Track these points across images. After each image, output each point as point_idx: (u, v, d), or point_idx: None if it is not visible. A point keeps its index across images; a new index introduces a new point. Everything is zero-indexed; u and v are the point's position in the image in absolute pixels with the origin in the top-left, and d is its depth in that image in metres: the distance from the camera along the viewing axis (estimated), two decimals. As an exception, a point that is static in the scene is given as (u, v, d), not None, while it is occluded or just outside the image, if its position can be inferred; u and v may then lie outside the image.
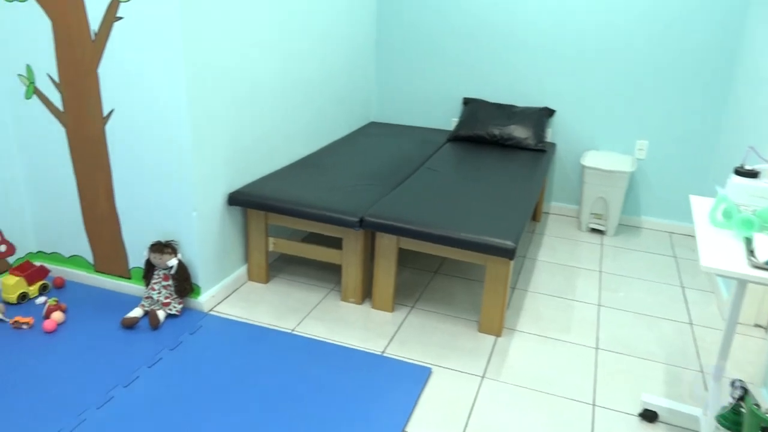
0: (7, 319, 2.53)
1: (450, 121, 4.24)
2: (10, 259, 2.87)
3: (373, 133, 4.00)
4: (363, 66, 4.12)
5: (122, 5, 2.39)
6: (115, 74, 2.50)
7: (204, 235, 2.66)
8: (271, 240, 2.90)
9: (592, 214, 3.79)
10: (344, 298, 2.84)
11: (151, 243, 2.62)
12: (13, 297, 2.66)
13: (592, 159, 3.74)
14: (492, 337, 2.60)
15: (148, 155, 2.56)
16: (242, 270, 2.96)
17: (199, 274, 2.68)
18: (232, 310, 2.72)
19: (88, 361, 2.30)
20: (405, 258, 3.28)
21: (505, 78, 4.01)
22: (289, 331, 2.58)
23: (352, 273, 2.78)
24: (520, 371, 2.39)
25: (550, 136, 4.00)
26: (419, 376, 2.32)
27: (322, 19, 3.43)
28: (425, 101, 4.27)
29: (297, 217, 2.71)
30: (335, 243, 2.81)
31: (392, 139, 3.85)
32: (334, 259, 2.81)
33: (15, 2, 2.54)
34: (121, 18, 2.41)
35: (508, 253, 2.41)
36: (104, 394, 2.13)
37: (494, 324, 2.60)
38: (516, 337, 2.62)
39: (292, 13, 3.10)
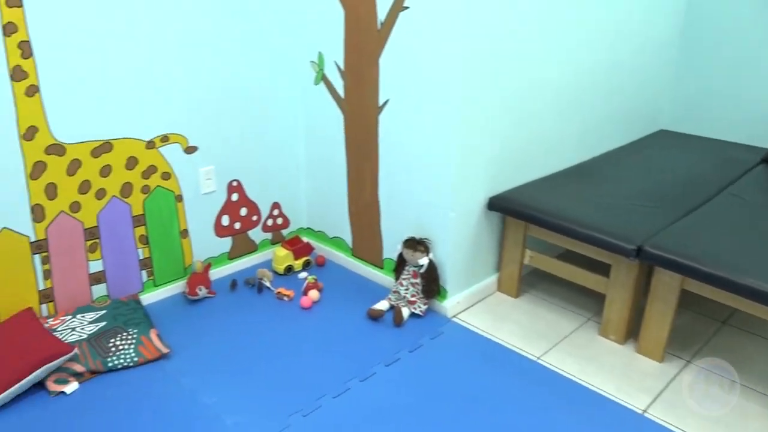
0: (272, 288, 2.73)
1: (767, 138, 3.45)
2: (284, 232, 3.11)
3: (662, 143, 3.44)
4: (658, 64, 3.56)
5: (410, -5, 2.34)
6: (395, 65, 2.47)
7: (458, 238, 2.52)
8: (528, 252, 2.65)
9: None
10: (603, 334, 2.46)
11: (406, 238, 2.57)
12: (280, 268, 2.87)
13: None
14: (798, 427, 1.99)
15: (414, 149, 2.50)
16: (492, 279, 2.77)
17: (448, 277, 2.56)
18: (476, 321, 2.55)
19: (331, 346, 2.35)
20: (686, 298, 2.74)
21: None
22: (534, 358, 2.32)
23: (618, 307, 2.39)
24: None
25: None
26: (689, 454, 1.87)
27: (614, 10, 3.00)
28: (735, 109, 3.54)
29: (561, 233, 2.41)
30: (600, 267, 2.44)
31: (686, 153, 3.26)
32: (598, 287, 2.44)
33: (317, -7, 2.68)
34: (407, 8, 2.36)
35: None
36: (342, 384, 2.14)
37: (804, 410, 1.99)
38: (836, 434, 1.97)
39: (579, 6, 2.76)
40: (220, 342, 2.35)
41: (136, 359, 2.19)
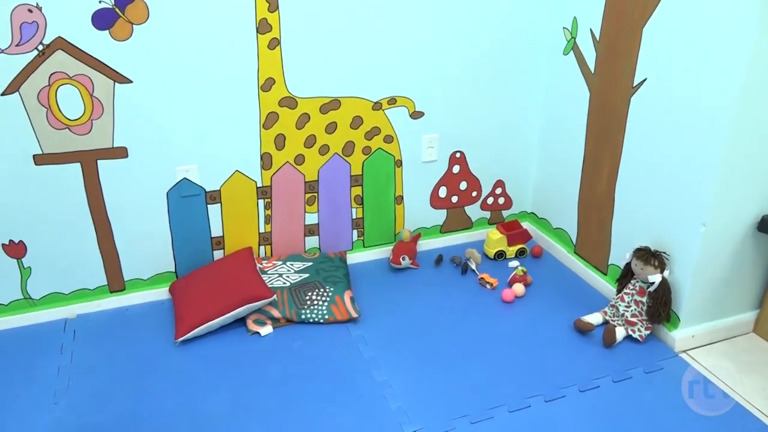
0: (477, 272, 2.55)
1: None
2: (504, 213, 2.88)
3: None
4: None
5: (696, -52, 1.85)
6: (662, 36, 2.01)
7: (707, 259, 2.02)
8: (806, 294, 2.02)
9: None
10: None
11: (638, 247, 2.15)
12: (491, 252, 2.66)
13: None
14: None
15: (667, 142, 2.04)
16: (748, 317, 2.19)
17: (685, 303, 2.08)
18: (712, 364, 2.04)
19: (523, 352, 2.08)
20: None
21: None
22: (785, 434, 1.77)
23: None
24: None
25: None
26: None
27: None
28: None
29: None
30: None
31: None
32: None
33: (582, -53, 2.31)
34: (689, -35, 1.88)
35: None
36: (523, 398, 1.88)
37: None
38: None
39: None
40: (408, 318, 2.27)
41: (326, 317, 2.22)
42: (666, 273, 2.07)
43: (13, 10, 1.87)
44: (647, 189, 2.16)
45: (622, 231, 2.32)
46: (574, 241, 2.60)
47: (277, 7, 2.14)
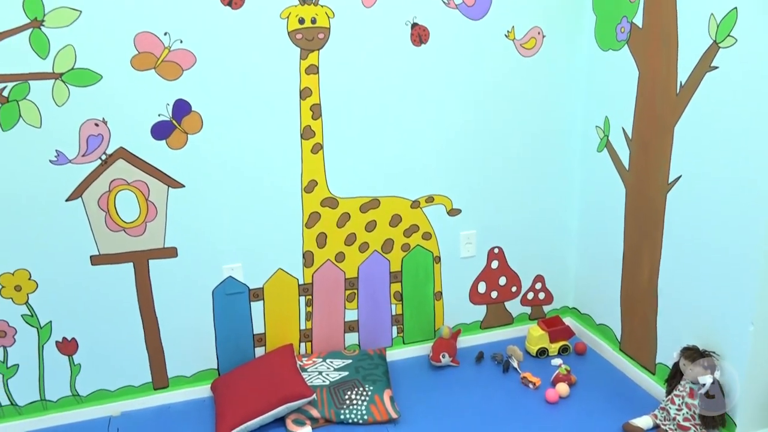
0: (519, 371, 2.49)
1: None
2: (546, 308, 2.84)
3: None
4: None
5: (721, 52, 1.92)
6: (693, 135, 2.05)
7: (759, 359, 1.94)
8: None
9: None
10: None
11: (685, 346, 2.08)
12: (533, 349, 2.61)
13: None
14: None
15: (707, 238, 2.03)
16: (811, 422, 2.07)
17: (740, 407, 1.98)
18: (776, 474, 1.92)
19: (572, 456, 2.01)
20: None
21: None
22: None
23: None
24: None
25: None
26: None
27: None
28: None
29: None
30: None
31: None
32: None
33: (610, 51, 2.41)
34: (715, 68, 1.94)
35: None
36: None
37: None
38: None
39: None
40: (449, 420, 2.21)
41: (365, 417, 2.19)
42: (717, 374, 1.99)
43: (82, 124, 2.06)
44: (691, 284, 2.13)
45: (669, 327, 2.26)
46: (619, 338, 2.53)
47: (320, 115, 2.29)
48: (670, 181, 2.18)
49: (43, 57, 1.96)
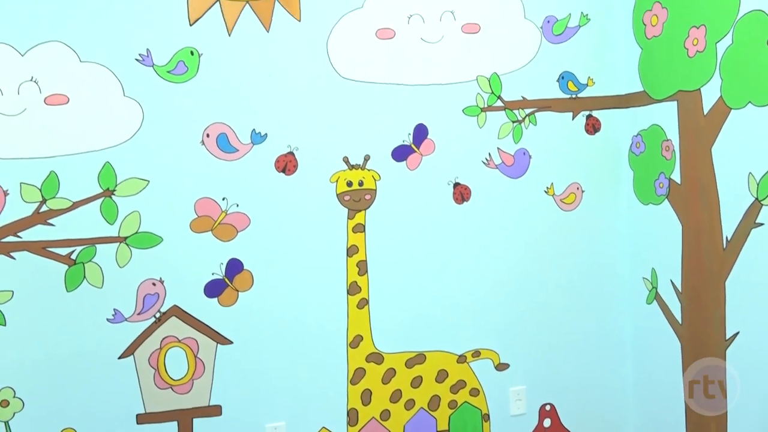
0: None
1: None
2: (605, 471, 2.65)
3: None
4: None
5: (765, 209, 1.93)
6: (746, 290, 2.01)
7: None
8: None
9: None
10: None
11: None
12: None
13: None
14: None
15: (777, 400, 1.91)
16: None
17: None
18: None
19: None
20: None
21: None
22: None
23: None
24: None
25: None
26: None
27: None
28: None
29: None
30: None
31: None
32: None
33: (650, 204, 2.45)
34: (761, 224, 1.95)
35: None
36: None
37: None
38: None
39: None
40: None
41: None
42: None
43: (141, 283, 2.15)
44: (764, 453, 1.97)
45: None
46: None
47: (366, 271, 2.34)
48: (727, 338, 2.10)
49: (111, 223, 2.11)
